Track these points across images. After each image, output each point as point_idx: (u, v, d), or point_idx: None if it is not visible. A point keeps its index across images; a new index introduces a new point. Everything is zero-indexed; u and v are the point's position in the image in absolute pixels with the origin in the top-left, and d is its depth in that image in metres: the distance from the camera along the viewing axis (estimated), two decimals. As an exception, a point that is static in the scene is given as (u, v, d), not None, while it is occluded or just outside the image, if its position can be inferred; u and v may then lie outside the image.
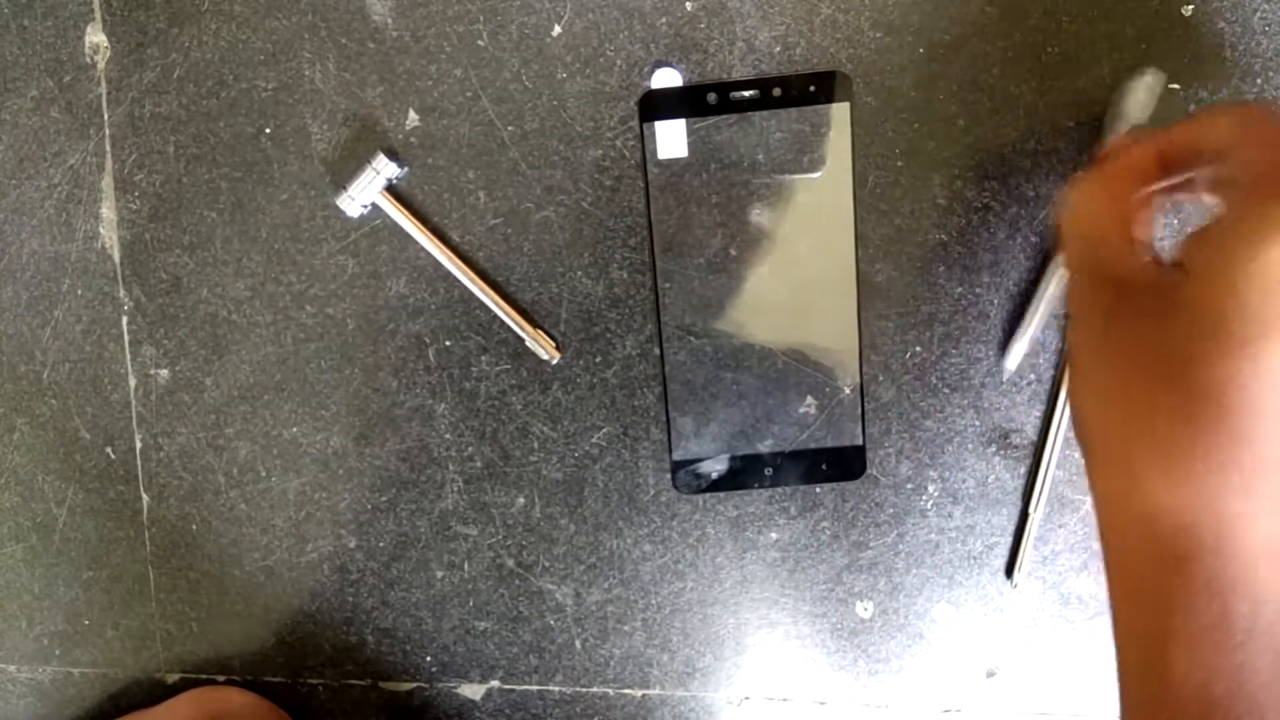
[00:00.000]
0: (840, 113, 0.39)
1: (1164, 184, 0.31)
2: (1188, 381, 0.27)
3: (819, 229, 0.40)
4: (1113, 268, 0.30)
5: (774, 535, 0.42)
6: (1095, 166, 0.33)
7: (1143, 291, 0.29)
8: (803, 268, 0.40)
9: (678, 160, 0.40)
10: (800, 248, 0.40)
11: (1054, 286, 0.39)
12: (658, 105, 0.39)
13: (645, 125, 0.40)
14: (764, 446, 0.41)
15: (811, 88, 0.39)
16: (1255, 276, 0.25)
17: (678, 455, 0.42)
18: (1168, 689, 0.28)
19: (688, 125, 0.39)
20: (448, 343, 0.42)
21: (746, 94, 0.39)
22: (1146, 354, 0.28)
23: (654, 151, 0.40)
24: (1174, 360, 0.27)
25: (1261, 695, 0.26)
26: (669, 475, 0.42)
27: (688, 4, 0.39)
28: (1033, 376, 0.41)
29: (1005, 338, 0.40)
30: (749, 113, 0.39)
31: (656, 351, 0.41)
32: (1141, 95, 0.37)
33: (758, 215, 0.40)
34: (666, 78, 0.40)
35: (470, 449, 0.43)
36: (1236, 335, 0.26)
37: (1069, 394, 0.31)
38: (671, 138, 0.40)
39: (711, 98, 0.39)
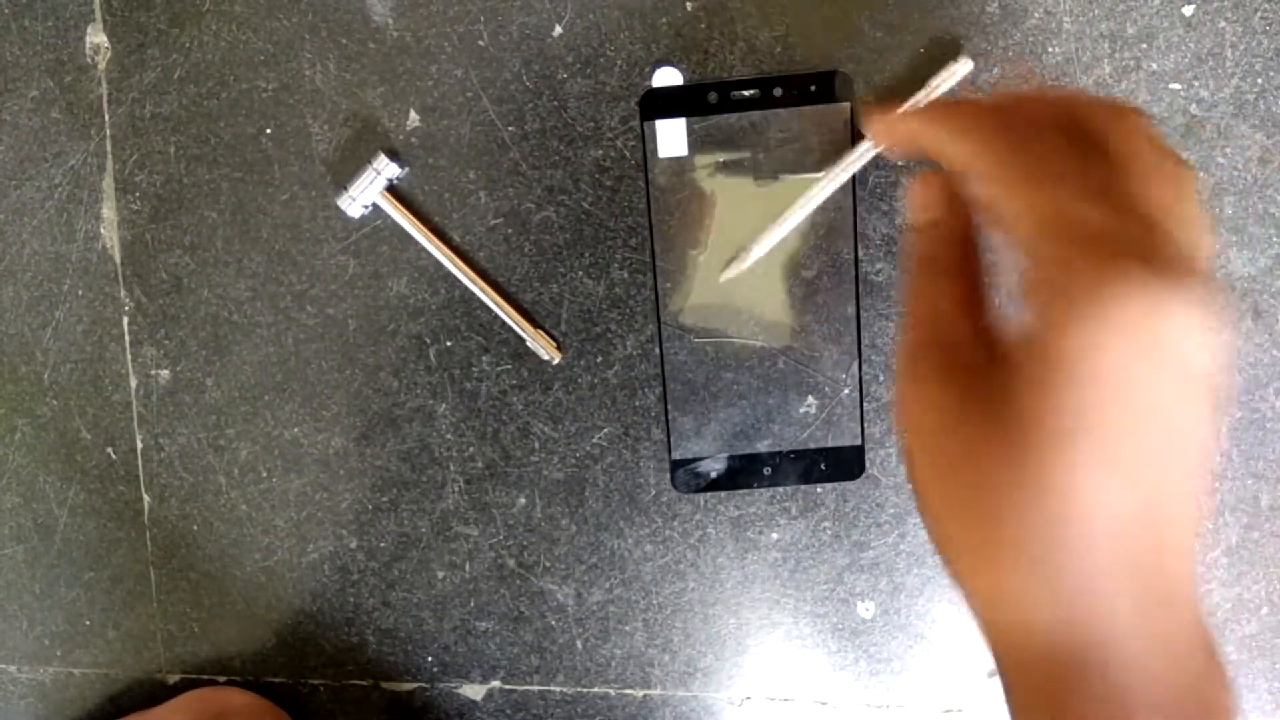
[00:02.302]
0: (840, 112, 0.39)
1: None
2: (1030, 487, 0.25)
3: (819, 229, 0.40)
4: (945, 362, 0.28)
5: (775, 535, 0.42)
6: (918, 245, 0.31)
7: (977, 384, 0.27)
8: (803, 267, 0.40)
9: (678, 159, 0.40)
10: (800, 247, 0.40)
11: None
12: (658, 104, 0.39)
13: (646, 124, 0.40)
14: (763, 446, 0.41)
15: (812, 87, 0.39)
16: (1074, 375, 0.24)
17: (677, 454, 0.42)
18: None
19: (688, 124, 0.39)
20: (449, 343, 0.42)
21: (747, 93, 0.39)
22: (987, 454, 0.26)
23: (655, 151, 0.40)
24: (1014, 463, 0.25)
25: None
26: (669, 475, 0.42)
27: (688, 4, 0.40)
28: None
29: None
30: (749, 112, 0.39)
31: (657, 351, 0.41)
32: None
33: (758, 215, 0.40)
34: (667, 77, 0.40)
35: (471, 449, 0.43)
36: (1067, 438, 0.24)
37: (912, 484, 0.29)
38: (672, 137, 0.40)
39: (712, 97, 0.39)
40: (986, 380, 0.27)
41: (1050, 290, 0.25)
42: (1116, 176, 0.25)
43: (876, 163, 0.40)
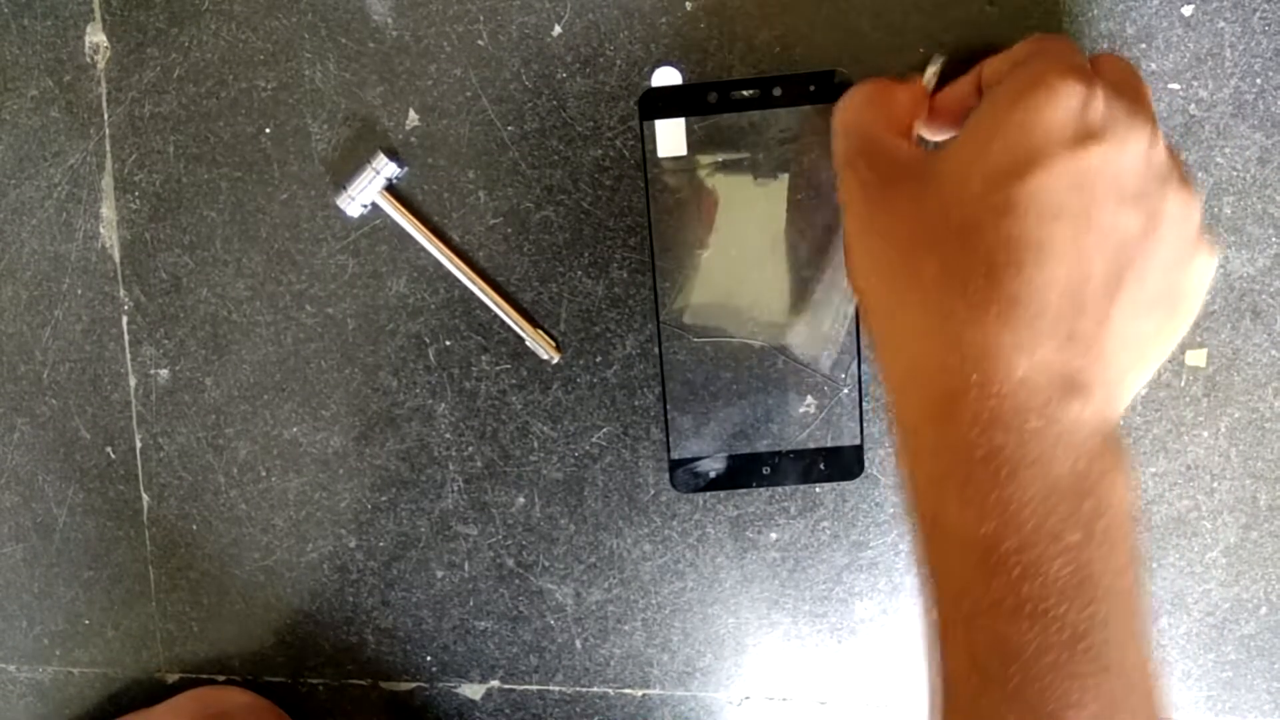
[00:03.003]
0: (840, 112, 0.39)
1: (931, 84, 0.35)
2: (943, 233, 0.28)
3: (819, 228, 0.40)
4: (876, 150, 0.32)
5: (774, 535, 0.42)
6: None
7: (904, 167, 0.31)
8: (803, 267, 0.40)
9: (678, 159, 0.40)
10: (800, 247, 0.40)
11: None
12: (658, 103, 0.39)
13: (645, 124, 0.40)
14: (762, 446, 0.41)
15: (811, 87, 0.39)
16: (1017, 133, 0.27)
17: (676, 454, 0.42)
18: (946, 533, 0.28)
19: (688, 124, 0.39)
20: (448, 342, 0.42)
21: (746, 93, 0.39)
22: (909, 221, 0.30)
23: (654, 150, 0.40)
24: (932, 219, 0.29)
25: (1033, 530, 0.26)
26: (668, 474, 0.42)
27: (688, 4, 0.40)
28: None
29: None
30: (749, 112, 0.39)
31: (656, 351, 0.41)
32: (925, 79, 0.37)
33: (758, 214, 0.40)
34: (666, 77, 0.40)
35: (470, 449, 0.43)
36: (982, 181, 0.28)
37: (849, 277, 0.33)
38: (671, 136, 0.40)
39: (712, 97, 0.39)
40: (917, 165, 0.31)
41: (1014, 77, 0.29)
42: (1100, 76, 0.30)
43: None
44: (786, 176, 0.40)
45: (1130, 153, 0.28)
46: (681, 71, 0.40)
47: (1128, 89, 0.29)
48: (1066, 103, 0.27)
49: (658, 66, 0.40)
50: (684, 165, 0.40)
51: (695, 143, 0.40)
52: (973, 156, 0.28)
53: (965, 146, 0.29)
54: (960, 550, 0.27)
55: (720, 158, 0.40)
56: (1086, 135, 0.27)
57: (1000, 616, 0.26)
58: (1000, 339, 0.27)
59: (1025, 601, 0.26)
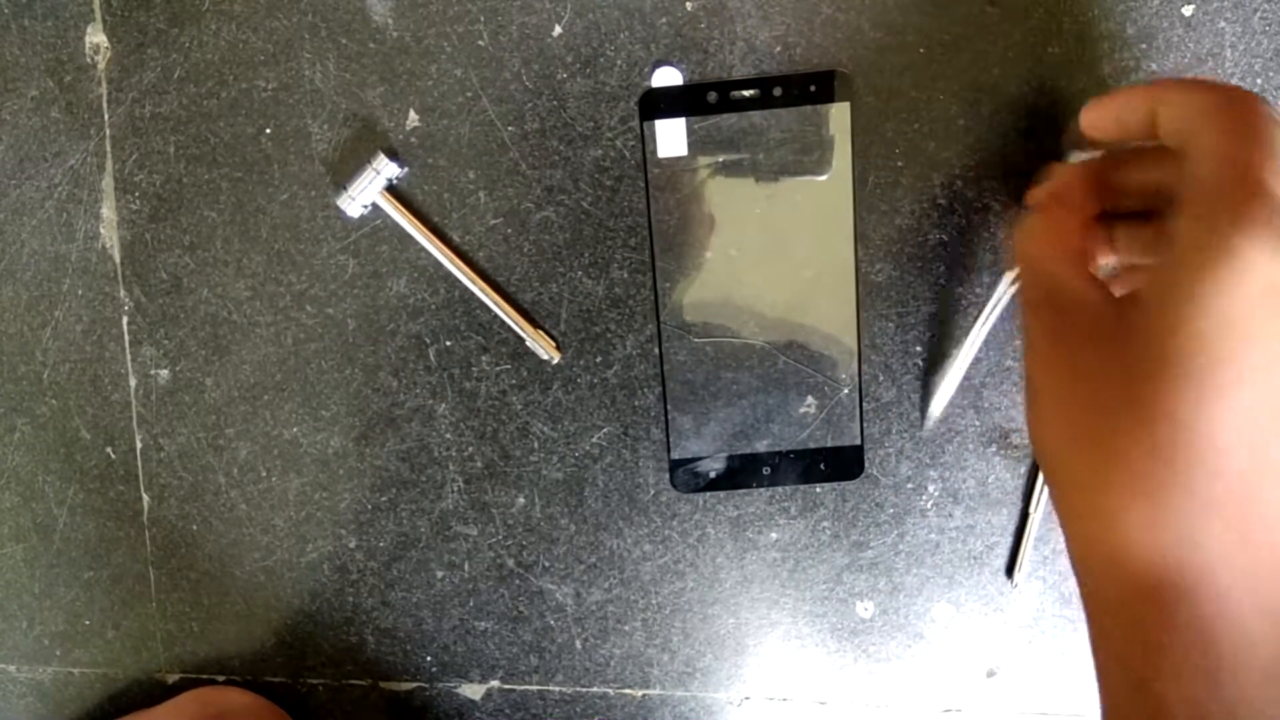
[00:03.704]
0: (840, 113, 0.39)
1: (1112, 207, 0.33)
2: (1153, 414, 0.26)
3: (819, 229, 0.40)
4: (1063, 297, 0.30)
5: (774, 535, 0.42)
6: (1039, 192, 0.33)
7: (1097, 320, 0.29)
8: (803, 267, 0.40)
9: (678, 159, 0.40)
10: (800, 247, 0.40)
11: (976, 334, 0.40)
12: (658, 104, 0.39)
13: (645, 124, 0.40)
14: (763, 446, 0.41)
15: (811, 87, 0.39)
16: (1210, 307, 0.25)
17: (676, 454, 0.42)
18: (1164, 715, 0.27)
19: (688, 124, 0.39)
20: (448, 343, 0.42)
21: (747, 93, 0.39)
22: (1107, 385, 0.27)
23: (654, 150, 0.40)
24: (1136, 392, 0.26)
25: (1250, 715, 0.26)
26: (668, 474, 0.42)
27: (688, 4, 0.40)
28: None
29: (925, 388, 0.41)
30: (749, 112, 0.39)
31: (656, 351, 0.41)
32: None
33: (758, 215, 0.40)
34: (667, 77, 0.40)
35: (470, 449, 0.43)
36: (1197, 368, 0.25)
37: (1029, 425, 0.31)
38: (672, 136, 0.40)
39: (712, 97, 0.39)
40: (1108, 322, 0.28)
41: (1204, 230, 0.25)
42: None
43: (876, 163, 0.40)
44: (787, 177, 0.40)
45: None
46: (681, 71, 0.40)
47: None
48: (1263, 271, 0.24)
49: (658, 66, 0.40)
50: (684, 165, 0.40)
51: (695, 143, 0.40)
52: (1170, 329, 0.26)
53: (1159, 314, 0.26)
54: None
55: (721, 158, 0.40)
56: None
57: None
58: (1221, 532, 0.26)
59: None
